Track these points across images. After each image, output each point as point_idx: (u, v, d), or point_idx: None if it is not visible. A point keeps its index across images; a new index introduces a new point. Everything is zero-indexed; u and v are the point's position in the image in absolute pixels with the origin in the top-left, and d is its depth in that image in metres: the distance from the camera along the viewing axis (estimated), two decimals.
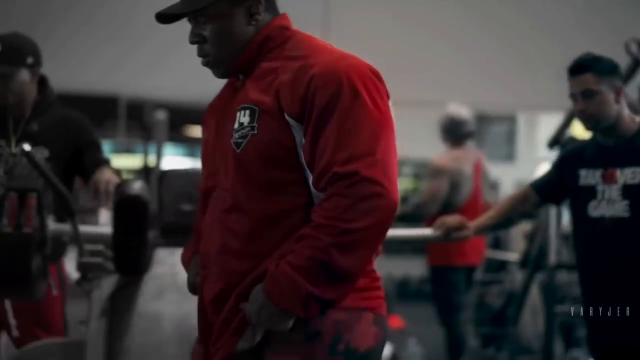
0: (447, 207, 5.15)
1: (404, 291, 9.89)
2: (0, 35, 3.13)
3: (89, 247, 2.87)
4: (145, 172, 6.85)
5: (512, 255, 6.32)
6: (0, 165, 3.05)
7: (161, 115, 5.99)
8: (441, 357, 5.64)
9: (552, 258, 4.68)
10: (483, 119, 17.27)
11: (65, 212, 2.79)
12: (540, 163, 18.47)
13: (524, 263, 5.47)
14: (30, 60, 3.14)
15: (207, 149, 2.13)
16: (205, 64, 2.07)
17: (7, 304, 3.12)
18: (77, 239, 2.83)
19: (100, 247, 2.90)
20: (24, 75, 3.14)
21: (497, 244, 6.20)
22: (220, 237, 2.01)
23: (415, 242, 10.28)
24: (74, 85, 8.60)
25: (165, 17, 2.04)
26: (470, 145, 5.41)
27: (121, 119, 16.32)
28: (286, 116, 1.93)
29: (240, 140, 1.97)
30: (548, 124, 17.61)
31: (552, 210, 4.68)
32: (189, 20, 2.06)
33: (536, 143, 17.18)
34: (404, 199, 13.60)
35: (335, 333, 1.93)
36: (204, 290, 2.06)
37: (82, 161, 3.20)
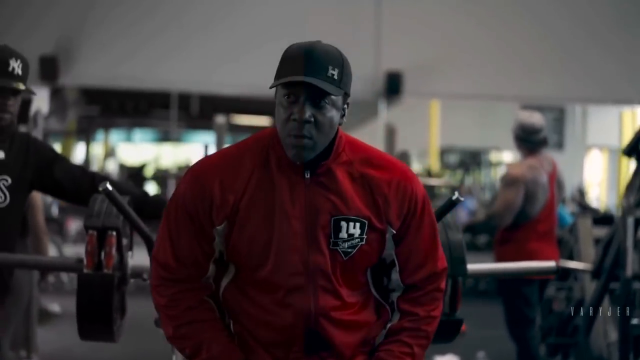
0: (522, 218, 4.98)
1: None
2: (13, 50, 2.93)
3: None
4: None
5: (584, 265, 6.12)
6: None
7: (221, 120, 5.87)
8: None
9: (629, 269, 4.52)
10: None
11: (148, 251, 2.67)
12: (590, 150, 18.34)
13: (596, 273, 5.27)
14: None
15: (259, 237, 2.16)
16: (303, 145, 2.09)
17: None
18: None
19: None
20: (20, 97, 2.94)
21: (570, 255, 6.00)
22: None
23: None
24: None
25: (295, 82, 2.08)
26: (545, 152, 5.22)
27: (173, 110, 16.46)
28: (389, 227, 2.19)
29: (349, 250, 2.17)
30: (597, 113, 17.53)
31: (630, 219, 4.52)
32: (306, 100, 2.07)
33: (586, 131, 17.05)
34: (453, 190, 13.53)
35: None
36: None
37: (52, 178, 3.00)
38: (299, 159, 2.12)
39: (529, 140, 5.09)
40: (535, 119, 5.16)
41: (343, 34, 8.45)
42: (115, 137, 21.92)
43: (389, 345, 2.23)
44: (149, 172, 16.45)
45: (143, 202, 2.95)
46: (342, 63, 2.11)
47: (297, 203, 2.14)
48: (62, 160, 3.07)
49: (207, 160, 2.24)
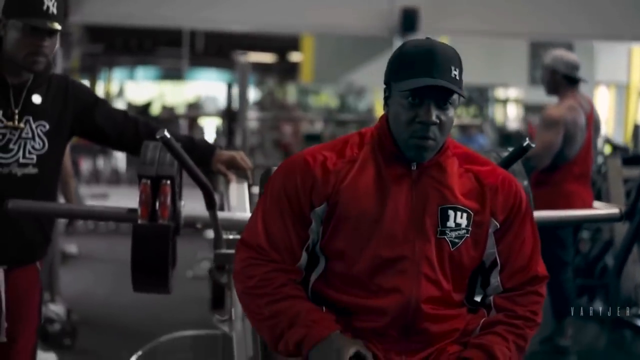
0: (560, 160, 4.87)
1: None
2: None
3: (226, 236, 2.65)
4: (229, 116, 6.54)
5: (616, 206, 6.04)
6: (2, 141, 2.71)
7: (243, 59, 5.71)
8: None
9: None
10: (538, 46, 16.99)
11: (205, 201, 2.57)
12: (598, 87, 18.21)
13: (629, 214, 5.19)
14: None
15: (361, 222, 2.12)
16: (427, 146, 2.08)
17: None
18: (216, 230, 2.61)
19: (237, 236, 2.68)
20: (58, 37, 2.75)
21: (599, 195, 5.91)
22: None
23: None
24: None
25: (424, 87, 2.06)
26: (582, 92, 5.09)
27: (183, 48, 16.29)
28: (492, 220, 2.17)
29: (456, 241, 2.14)
30: (605, 49, 17.38)
31: None
32: (432, 102, 2.05)
33: (593, 67, 16.90)
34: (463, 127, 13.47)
35: None
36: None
37: (93, 124, 2.87)
38: (421, 160, 2.12)
39: (571, 76, 4.96)
40: (571, 57, 5.03)
41: None
42: (119, 75, 21.71)
43: (482, 337, 2.15)
44: (154, 110, 16.26)
45: (191, 147, 2.84)
46: (460, 62, 2.10)
47: (404, 191, 2.12)
48: (104, 104, 2.94)
49: (307, 149, 2.21)
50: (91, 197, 8.62)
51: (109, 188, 10.67)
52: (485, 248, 2.18)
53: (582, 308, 5.92)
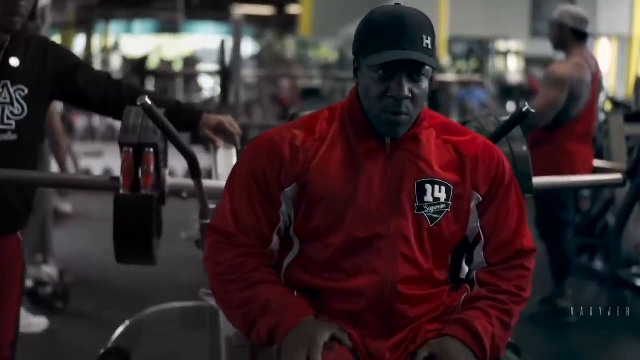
0: (563, 117, 4.75)
1: None
2: None
3: (212, 206, 2.55)
4: (223, 73, 6.37)
5: (618, 165, 5.94)
6: None
7: (238, 14, 5.55)
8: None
9: None
10: None
11: (190, 169, 2.46)
12: (600, 39, 18.04)
13: (631, 173, 5.09)
14: None
15: (333, 201, 2.00)
16: (400, 122, 1.96)
17: None
18: (202, 200, 2.51)
19: None
20: None
21: (600, 153, 5.80)
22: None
23: None
24: None
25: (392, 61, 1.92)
26: (588, 49, 4.95)
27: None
28: (474, 193, 2.04)
29: (435, 216, 2.01)
30: (607, 1, 17.21)
31: None
32: (404, 74, 1.92)
33: (595, 19, 16.73)
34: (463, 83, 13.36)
35: None
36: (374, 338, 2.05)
37: (75, 87, 2.71)
38: (394, 135, 1.99)
39: (579, 30, 4.82)
40: (578, 11, 4.90)
41: None
42: (115, 28, 21.47)
43: (463, 313, 2.03)
44: (152, 64, 16.05)
45: (177, 112, 2.73)
46: (432, 29, 1.97)
47: (378, 166, 2.00)
48: (86, 67, 2.80)
49: (275, 128, 2.09)
50: (85, 155, 8.53)
51: (104, 145, 10.56)
52: (467, 222, 2.07)
53: (582, 267, 5.86)
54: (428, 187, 2.00)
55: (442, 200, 2.01)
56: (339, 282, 2.01)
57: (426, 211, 2.01)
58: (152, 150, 2.43)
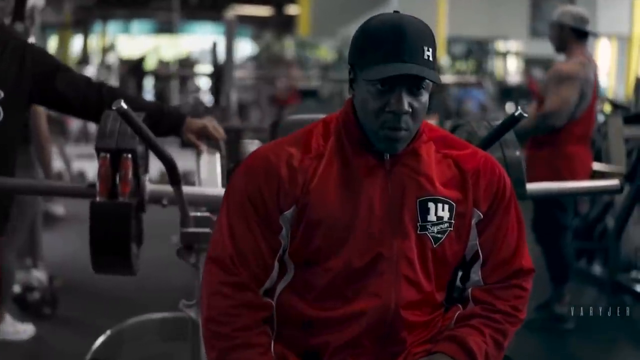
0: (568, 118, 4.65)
1: None
2: None
3: (194, 213, 2.46)
4: (216, 74, 6.29)
5: (616, 167, 5.85)
6: None
7: (231, 14, 5.48)
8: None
9: None
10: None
11: (169, 176, 2.37)
12: (599, 39, 17.96)
13: (630, 176, 5.01)
14: None
15: (334, 222, 1.88)
16: (399, 138, 1.85)
17: None
18: (182, 207, 2.42)
19: (206, 213, 2.48)
20: None
21: (598, 155, 5.71)
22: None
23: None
24: None
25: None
26: (588, 49, 4.86)
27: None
28: (475, 210, 1.96)
29: (439, 236, 1.92)
30: (607, 1, 17.15)
31: None
32: (404, 88, 1.82)
33: (595, 19, 16.66)
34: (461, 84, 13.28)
35: None
36: None
37: (54, 91, 2.65)
38: (393, 151, 1.88)
39: (580, 29, 4.73)
40: (579, 10, 4.82)
41: None
42: (113, 28, 21.38)
43: (455, 330, 1.95)
44: (149, 65, 15.97)
45: (159, 116, 2.64)
46: (432, 39, 1.85)
47: (378, 183, 1.90)
48: (65, 70, 2.72)
49: (267, 144, 1.97)
50: (79, 158, 8.43)
51: None
52: (467, 240, 1.97)
53: (580, 271, 5.77)
54: (431, 205, 1.91)
55: (446, 219, 1.92)
56: (337, 310, 1.90)
57: (429, 231, 1.92)
58: (130, 155, 2.34)
